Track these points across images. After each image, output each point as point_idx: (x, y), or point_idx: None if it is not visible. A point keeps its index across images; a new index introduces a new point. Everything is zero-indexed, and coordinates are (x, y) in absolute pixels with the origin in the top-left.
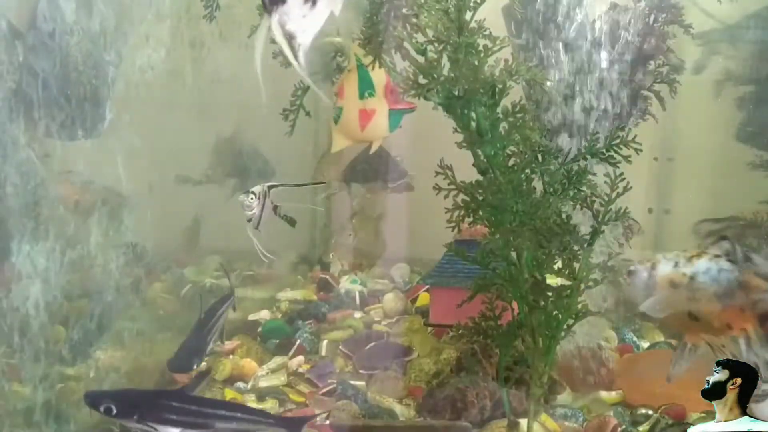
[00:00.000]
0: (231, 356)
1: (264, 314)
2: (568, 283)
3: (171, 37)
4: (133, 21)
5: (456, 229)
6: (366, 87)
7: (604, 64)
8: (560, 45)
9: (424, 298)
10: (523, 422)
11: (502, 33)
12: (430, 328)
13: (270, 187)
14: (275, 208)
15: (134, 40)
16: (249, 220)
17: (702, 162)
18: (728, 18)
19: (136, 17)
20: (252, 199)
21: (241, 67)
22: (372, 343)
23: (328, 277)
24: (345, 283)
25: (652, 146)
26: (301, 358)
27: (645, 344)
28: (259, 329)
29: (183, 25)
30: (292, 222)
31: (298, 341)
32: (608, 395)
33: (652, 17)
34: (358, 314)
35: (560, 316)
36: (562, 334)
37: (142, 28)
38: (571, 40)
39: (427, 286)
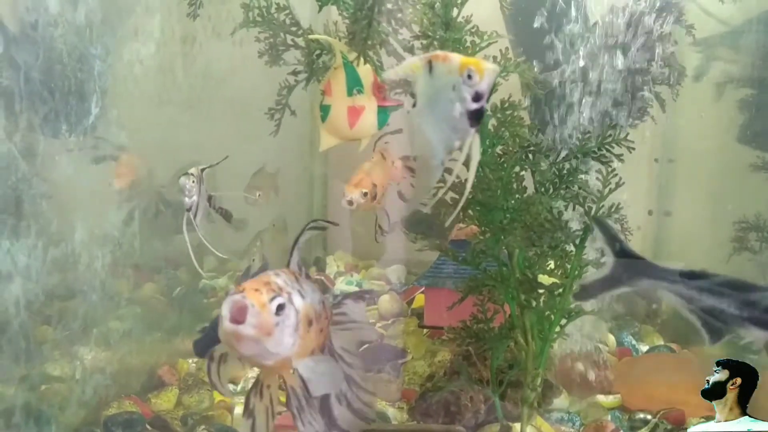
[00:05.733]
0: None
1: None
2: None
3: (161, 32)
4: (120, 14)
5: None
6: (354, 84)
7: (603, 64)
8: (558, 44)
9: (420, 299)
10: (517, 426)
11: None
12: (425, 330)
13: (202, 170)
14: (210, 198)
15: (122, 33)
16: (188, 209)
17: (703, 164)
18: (730, 19)
19: (124, 10)
20: (193, 182)
21: (233, 63)
22: (365, 345)
23: (323, 278)
24: (340, 285)
25: (653, 148)
26: None
27: (644, 348)
28: None
29: (174, 20)
30: (227, 216)
31: None
32: (606, 399)
33: (653, 17)
34: None
35: (553, 316)
36: (555, 334)
37: (130, 21)
38: (570, 38)
39: (423, 288)
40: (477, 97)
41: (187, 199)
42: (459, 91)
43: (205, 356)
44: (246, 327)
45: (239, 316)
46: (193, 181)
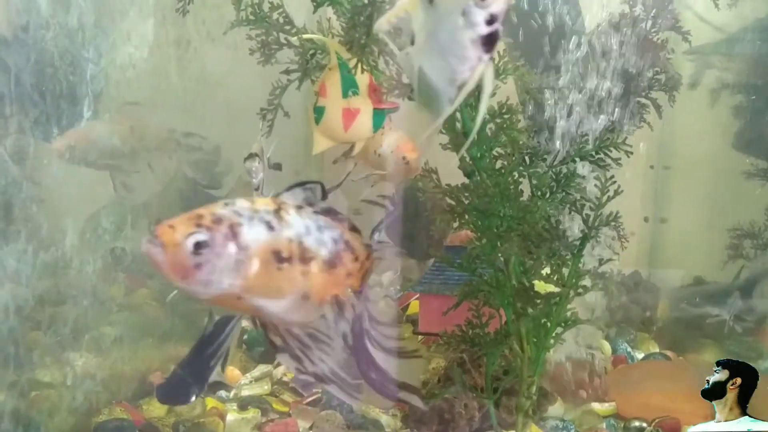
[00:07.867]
0: None
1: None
2: (557, 290)
3: (155, 35)
4: (114, 17)
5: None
6: (349, 86)
7: (600, 71)
8: (553, 48)
9: (415, 306)
10: None
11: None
12: (419, 337)
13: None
14: (275, 165)
15: (115, 36)
16: (257, 189)
17: (698, 170)
18: (726, 26)
19: (117, 13)
20: (259, 162)
21: (228, 66)
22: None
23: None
24: None
25: (649, 154)
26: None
27: (639, 355)
28: (245, 336)
29: (168, 23)
30: (279, 167)
31: None
32: (601, 407)
33: (649, 23)
34: None
35: (548, 323)
36: (551, 342)
37: (123, 25)
38: (566, 45)
39: (418, 294)
40: (491, 20)
41: (254, 180)
42: (470, 15)
43: (169, 403)
44: (161, 267)
45: (153, 256)
46: (258, 162)
